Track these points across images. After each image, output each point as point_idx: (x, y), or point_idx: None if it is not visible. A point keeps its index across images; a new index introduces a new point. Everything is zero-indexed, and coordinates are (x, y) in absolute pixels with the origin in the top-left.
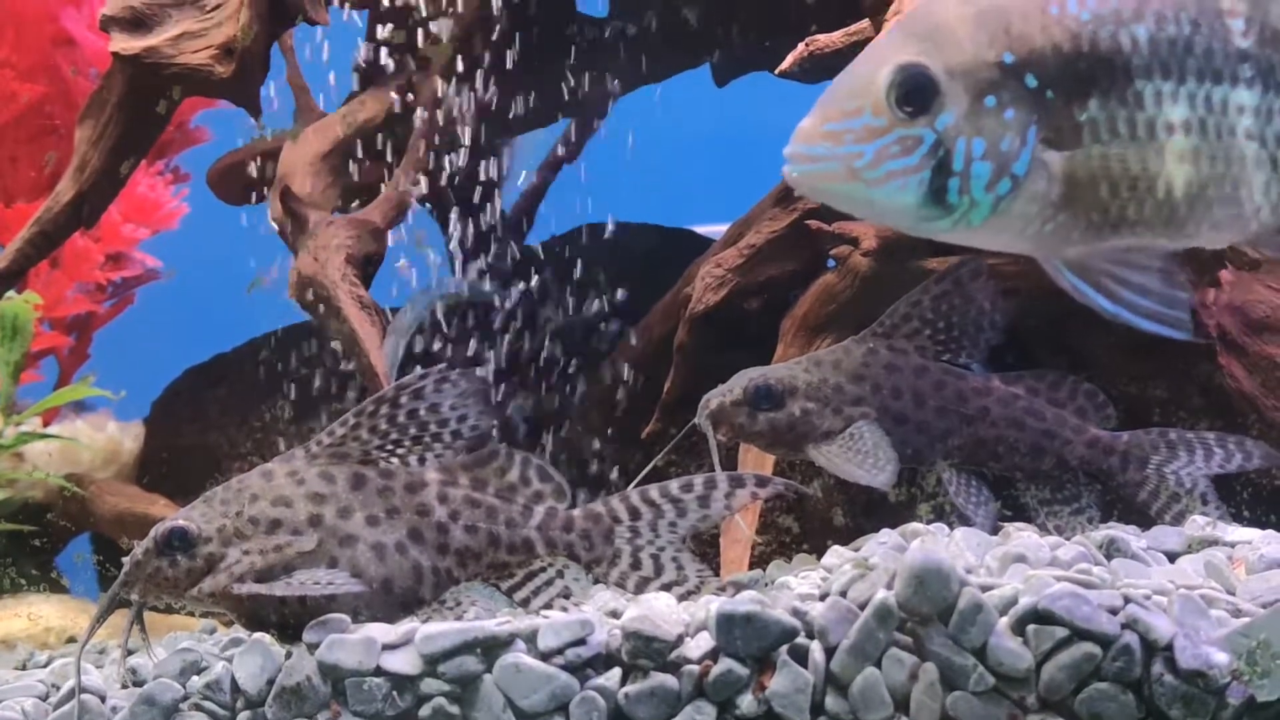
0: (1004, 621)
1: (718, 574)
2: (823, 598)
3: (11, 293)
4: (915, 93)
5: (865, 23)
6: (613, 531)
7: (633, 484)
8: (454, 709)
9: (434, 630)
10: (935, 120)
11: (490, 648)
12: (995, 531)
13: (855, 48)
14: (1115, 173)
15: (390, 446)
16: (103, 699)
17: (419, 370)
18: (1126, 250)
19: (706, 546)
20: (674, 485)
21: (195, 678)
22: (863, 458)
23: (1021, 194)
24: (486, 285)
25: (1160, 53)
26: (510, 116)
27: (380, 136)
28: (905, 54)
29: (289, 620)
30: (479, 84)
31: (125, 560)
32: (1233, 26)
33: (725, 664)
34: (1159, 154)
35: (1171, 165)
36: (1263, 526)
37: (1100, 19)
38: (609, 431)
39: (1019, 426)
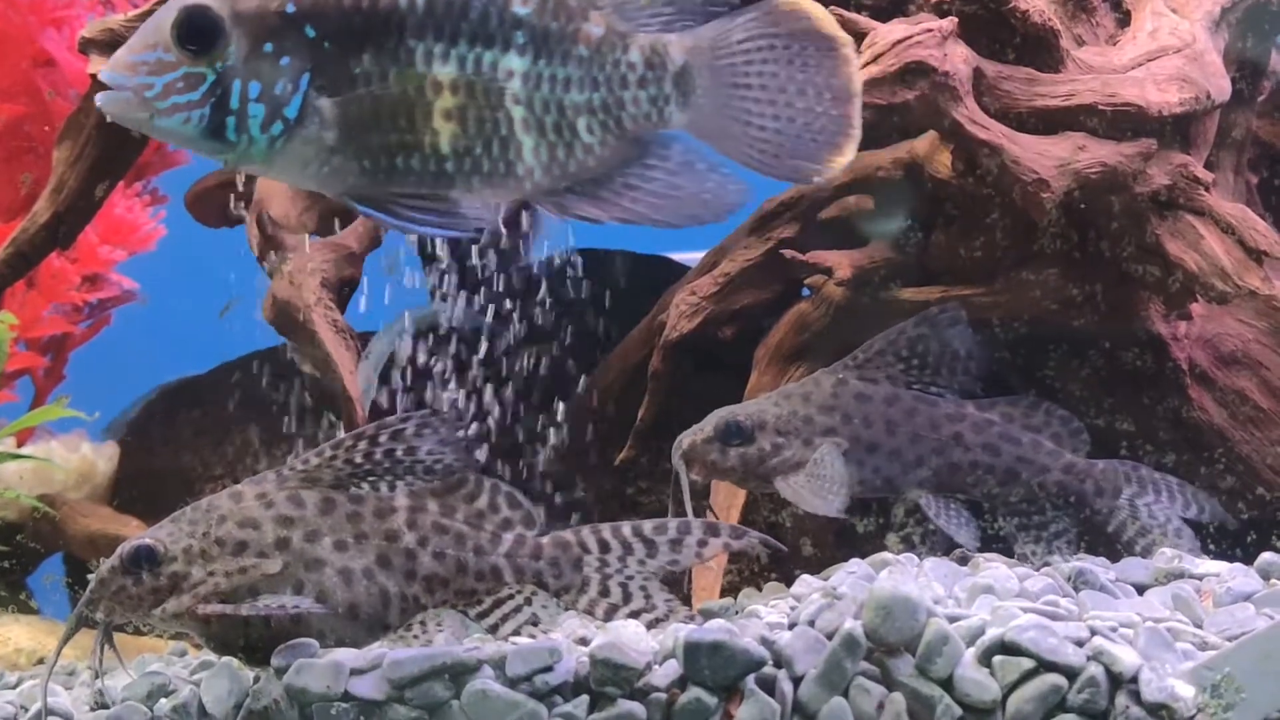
0: (971, 652)
1: (688, 602)
2: (791, 627)
3: None
4: (197, 33)
5: None
6: (581, 560)
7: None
8: None
9: (402, 656)
10: (217, 61)
11: (458, 674)
12: (965, 562)
13: None
14: (385, 124)
15: (360, 477)
16: None
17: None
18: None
19: (677, 573)
20: (647, 525)
21: (163, 700)
22: (819, 484)
23: (295, 136)
24: (466, 310)
25: (435, 14)
26: None
27: None
28: None
29: (255, 643)
30: None
31: (91, 579)
32: None
33: (693, 693)
34: (426, 111)
35: (438, 122)
36: (1230, 560)
37: None
38: (583, 458)
39: (994, 452)
